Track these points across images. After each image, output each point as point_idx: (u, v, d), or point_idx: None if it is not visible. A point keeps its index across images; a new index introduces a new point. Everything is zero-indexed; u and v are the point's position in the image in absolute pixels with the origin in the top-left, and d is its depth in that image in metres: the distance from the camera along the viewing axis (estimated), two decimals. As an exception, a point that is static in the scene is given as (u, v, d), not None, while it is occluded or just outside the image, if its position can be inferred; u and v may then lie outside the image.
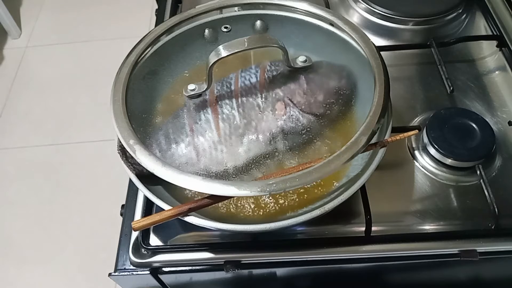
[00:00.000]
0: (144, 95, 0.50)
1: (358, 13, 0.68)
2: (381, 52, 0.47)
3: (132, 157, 0.40)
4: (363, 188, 0.47)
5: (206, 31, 0.54)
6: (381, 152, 0.43)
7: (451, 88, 0.55)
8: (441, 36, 0.63)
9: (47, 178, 1.25)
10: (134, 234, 0.47)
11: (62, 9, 1.73)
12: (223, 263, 0.45)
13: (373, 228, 0.45)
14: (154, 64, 0.52)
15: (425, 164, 0.51)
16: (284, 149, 0.46)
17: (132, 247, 0.46)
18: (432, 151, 0.50)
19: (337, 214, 0.45)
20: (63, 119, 1.38)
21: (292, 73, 0.49)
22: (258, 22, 0.54)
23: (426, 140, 0.51)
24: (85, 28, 1.64)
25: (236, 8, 0.56)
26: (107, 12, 1.69)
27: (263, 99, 0.47)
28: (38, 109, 1.42)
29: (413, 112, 0.56)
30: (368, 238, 0.45)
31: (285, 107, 0.47)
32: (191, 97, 0.48)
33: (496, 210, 0.46)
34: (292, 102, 0.47)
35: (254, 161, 0.45)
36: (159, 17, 0.69)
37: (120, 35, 1.58)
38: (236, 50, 0.44)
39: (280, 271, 0.49)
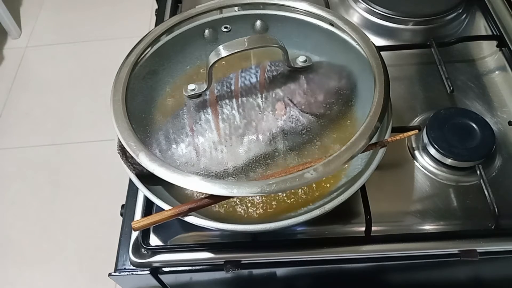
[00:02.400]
0: (144, 95, 0.50)
1: (358, 13, 0.68)
2: (381, 52, 0.47)
3: (132, 157, 0.40)
4: (363, 188, 0.47)
5: (206, 31, 0.54)
6: (381, 152, 0.43)
7: (451, 88, 0.55)
8: (441, 36, 0.63)
9: (47, 178, 1.25)
10: (134, 234, 0.47)
11: (62, 9, 1.73)
12: (223, 263, 0.45)
13: (373, 228, 0.45)
14: (154, 64, 0.52)
15: (425, 164, 0.51)
16: (284, 149, 0.46)
17: (132, 247, 0.46)
18: (432, 151, 0.50)
19: (337, 214, 0.45)
20: (63, 119, 1.38)
21: (292, 73, 0.49)
22: (258, 22, 0.54)
23: (426, 140, 0.51)
24: (85, 28, 1.64)
25: (236, 8, 0.56)
26: (107, 12, 1.69)
27: (263, 99, 0.47)
28: (38, 109, 1.42)
29: (413, 112, 0.56)
30: (368, 238, 0.45)
31: (285, 107, 0.47)
32: (191, 97, 0.48)
33: (496, 210, 0.46)
34: (292, 102, 0.47)
35: (254, 161, 0.45)
36: (159, 17, 0.69)
37: (120, 35, 1.58)
38: (236, 50, 0.44)
39: (280, 271, 0.49)
